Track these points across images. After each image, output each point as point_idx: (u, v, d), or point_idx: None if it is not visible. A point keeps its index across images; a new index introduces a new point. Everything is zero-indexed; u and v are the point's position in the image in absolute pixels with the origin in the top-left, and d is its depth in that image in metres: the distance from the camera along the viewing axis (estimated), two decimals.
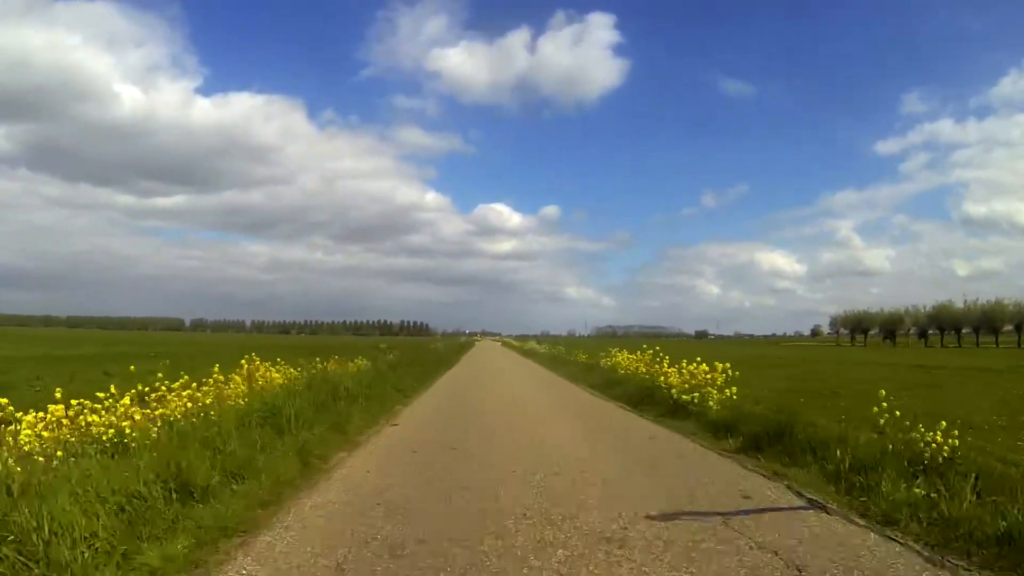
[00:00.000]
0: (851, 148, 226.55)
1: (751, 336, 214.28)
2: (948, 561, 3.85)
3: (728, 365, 10.17)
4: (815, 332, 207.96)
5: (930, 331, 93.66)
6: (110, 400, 5.73)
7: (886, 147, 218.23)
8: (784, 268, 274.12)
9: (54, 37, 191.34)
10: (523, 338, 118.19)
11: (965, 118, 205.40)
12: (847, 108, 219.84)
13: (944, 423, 5.55)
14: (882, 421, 6.22)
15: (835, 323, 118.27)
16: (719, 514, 4.82)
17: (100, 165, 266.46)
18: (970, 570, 3.73)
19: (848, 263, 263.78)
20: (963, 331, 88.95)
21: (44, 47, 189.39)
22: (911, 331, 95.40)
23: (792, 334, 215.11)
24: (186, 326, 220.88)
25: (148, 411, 6.07)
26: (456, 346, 56.33)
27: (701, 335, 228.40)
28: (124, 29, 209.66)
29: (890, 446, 5.74)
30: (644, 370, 14.23)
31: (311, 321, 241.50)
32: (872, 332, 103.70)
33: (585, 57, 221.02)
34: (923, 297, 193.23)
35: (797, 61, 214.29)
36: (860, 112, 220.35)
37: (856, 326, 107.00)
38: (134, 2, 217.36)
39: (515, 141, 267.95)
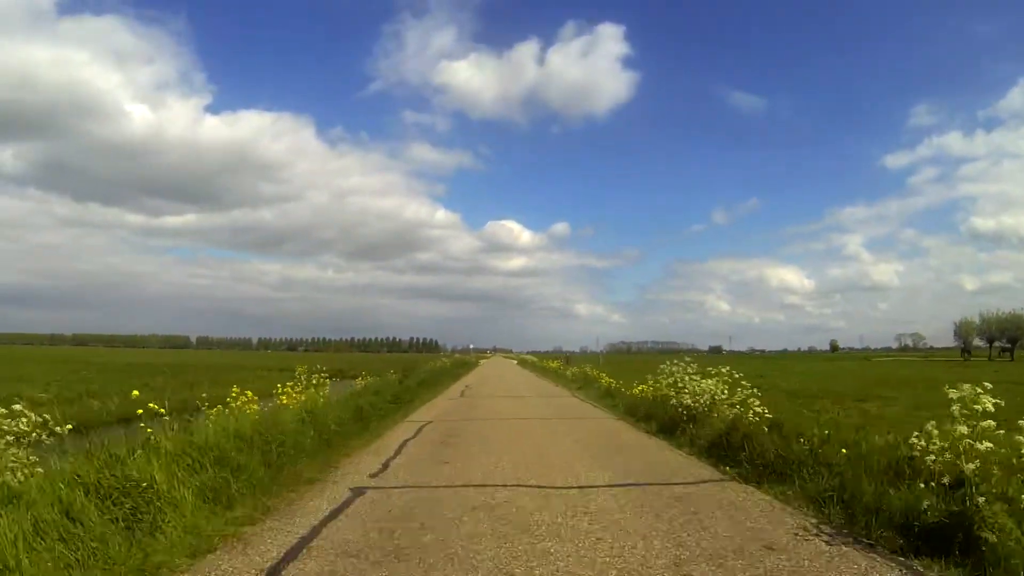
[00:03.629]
0: (860, 162, 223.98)
1: (763, 351, 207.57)
2: None
3: None
4: (834, 347, 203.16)
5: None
6: None
7: (895, 160, 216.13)
8: (793, 284, 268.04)
9: (61, 54, 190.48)
10: (541, 355, 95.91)
11: (973, 131, 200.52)
12: (856, 121, 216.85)
13: None
14: None
15: (960, 330, 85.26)
16: None
17: (109, 184, 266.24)
18: None
19: (857, 278, 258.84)
20: None
21: (51, 64, 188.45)
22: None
23: (806, 349, 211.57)
24: (192, 343, 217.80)
25: None
26: (408, 387, 18.22)
27: (715, 351, 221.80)
28: (131, 45, 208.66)
29: None
30: None
31: (318, 338, 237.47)
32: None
33: (595, 69, 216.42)
34: (931, 312, 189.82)
35: (806, 74, 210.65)
36: (869, 125, 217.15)
37: (1003, 332, 78.25)
38: (140, 17, 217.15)
39: (524, 156, 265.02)
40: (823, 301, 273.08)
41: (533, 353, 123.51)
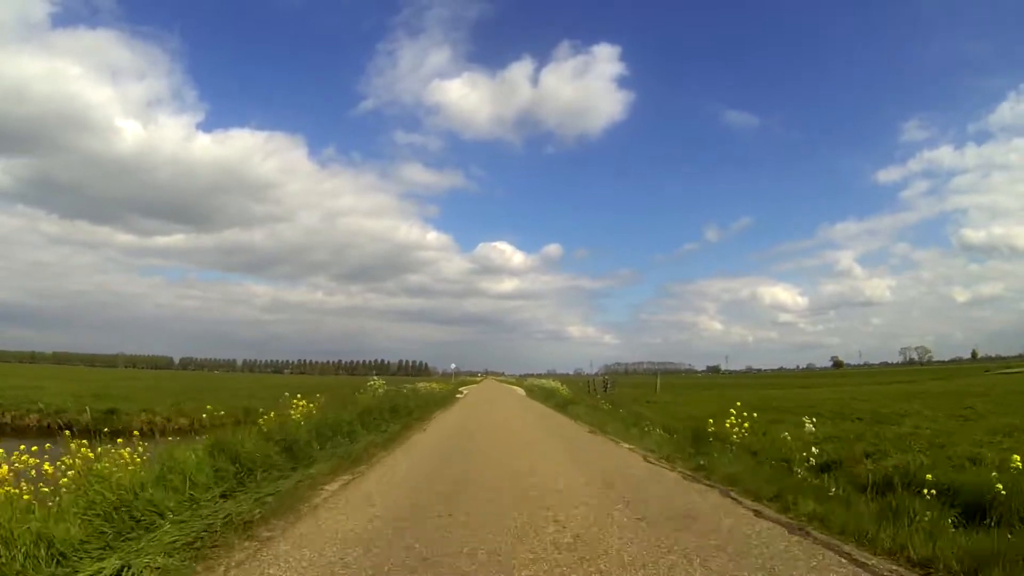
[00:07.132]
0: (852, 178, 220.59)
1: (760, 371, 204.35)
2: None
3: None
4: (837, 364, 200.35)
5: None
6: None
7: (887, 175, 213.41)
8: (786, 301, 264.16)
9: (52, 66, 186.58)
10: (561, 378, 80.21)
11: (964, 144, 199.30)
12: (848, 137, 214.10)
13: None
14: None
15: None
16: None
17: (99, 202, 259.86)
18: None
19: (850, 294, 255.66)
20: None
21: (42, 77, 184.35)
22: None
23: (804, 367, 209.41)
24: (175, 364, 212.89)
25: None
26: None
27: (713, 371, 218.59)
28: (125, 60, 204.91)
29: None
30: None
31: (304, 360, 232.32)
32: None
33: (589, 89, 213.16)
34: (923, 326, 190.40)
35: (799, 92, 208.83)
36: (861, 141, 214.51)
37: None
38: (134, 32, 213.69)
39: (517, 177, 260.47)
40: (816, 318, 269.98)
41: (541, 375, 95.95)
